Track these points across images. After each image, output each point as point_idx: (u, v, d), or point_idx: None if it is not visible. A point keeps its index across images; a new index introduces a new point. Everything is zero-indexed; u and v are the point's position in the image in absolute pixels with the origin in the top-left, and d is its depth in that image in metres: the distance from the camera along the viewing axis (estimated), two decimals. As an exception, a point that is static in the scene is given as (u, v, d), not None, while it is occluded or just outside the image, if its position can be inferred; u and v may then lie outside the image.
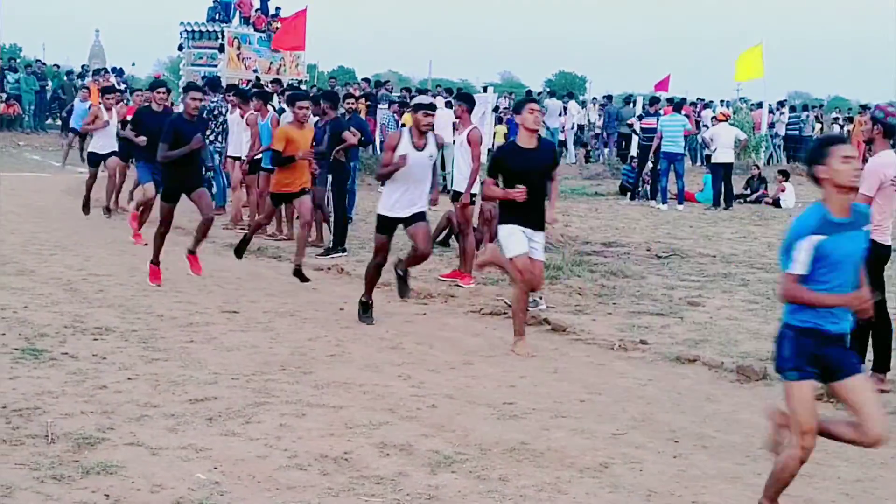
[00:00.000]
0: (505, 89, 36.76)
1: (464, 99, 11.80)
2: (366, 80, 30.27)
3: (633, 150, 23.66)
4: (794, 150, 32.16)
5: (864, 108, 34.67)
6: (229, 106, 15.67)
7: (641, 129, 21.91)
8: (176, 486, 5.02)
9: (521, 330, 8.33)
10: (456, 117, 11.00)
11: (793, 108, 34.17)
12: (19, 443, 5.51)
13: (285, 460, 5.46)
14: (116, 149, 15.00)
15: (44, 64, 32.95)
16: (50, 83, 31.51)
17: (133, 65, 32.91)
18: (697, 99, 34.90)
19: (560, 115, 30.20)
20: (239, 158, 14.82)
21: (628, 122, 27.94)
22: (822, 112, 36.61)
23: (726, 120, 22.04)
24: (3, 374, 6.82)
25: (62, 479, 5.02)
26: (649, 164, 21.04)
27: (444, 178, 18.23)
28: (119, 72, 31.73)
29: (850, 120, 34.73)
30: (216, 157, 16.62)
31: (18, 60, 36.20)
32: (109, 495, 4.88)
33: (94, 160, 15.27)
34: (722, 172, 20.64)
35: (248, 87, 17.99)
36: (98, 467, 5.19)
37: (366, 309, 9.20)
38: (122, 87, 30.12)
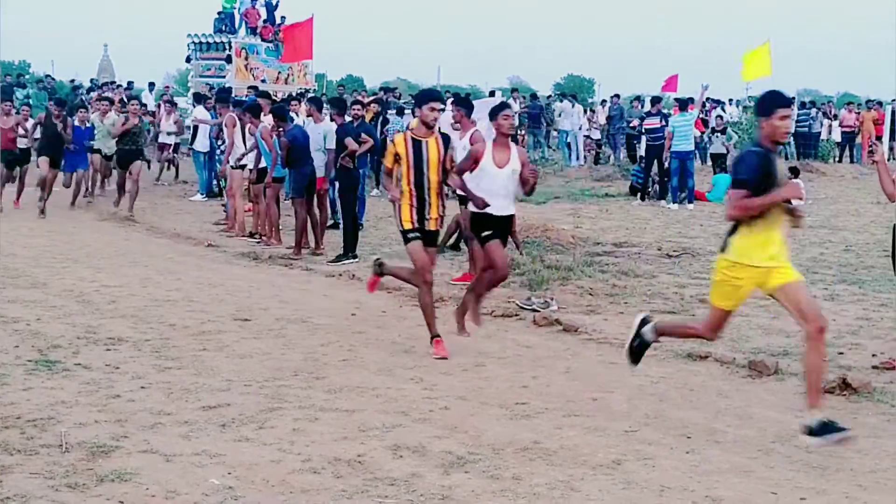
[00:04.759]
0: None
1: (461, 104, 11.95)
2: (382, 88, 30.32)
3: (642, 151, 23.62)
4: (804, 147, 32.07)
5: (872, 103, 34.55)
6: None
7: (645, 129, 21.84)
8: (190, 491, 5.04)
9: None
10: (455, 122, 11.08)
11: (802, 105, 34.02)
12: (34, 452, 5.54)
13: (299, 464, 5.48)
14: None
15: (53, 79, 33.01)
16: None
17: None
18: (707, 99, 34.77)
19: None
20: (244, 168, 14.98)
21: (631, 123, 27.87)
22: (830, 108, 36.45)
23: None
24: (18, 386, 6.86)
25: (77, 488, 5.05)
26: (656, 164, 21.01)
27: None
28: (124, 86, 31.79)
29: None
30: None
31: (27, 76, 36.32)
32: (124, 502, 4.90)
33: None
34: None
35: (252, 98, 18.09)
36: (112, 475, 5.21)
37: None
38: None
